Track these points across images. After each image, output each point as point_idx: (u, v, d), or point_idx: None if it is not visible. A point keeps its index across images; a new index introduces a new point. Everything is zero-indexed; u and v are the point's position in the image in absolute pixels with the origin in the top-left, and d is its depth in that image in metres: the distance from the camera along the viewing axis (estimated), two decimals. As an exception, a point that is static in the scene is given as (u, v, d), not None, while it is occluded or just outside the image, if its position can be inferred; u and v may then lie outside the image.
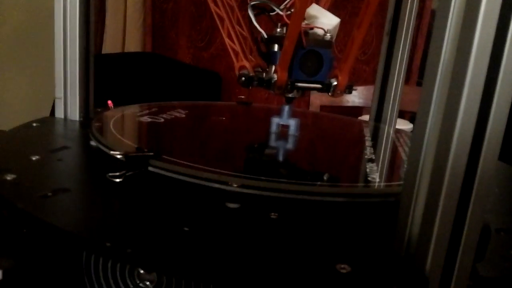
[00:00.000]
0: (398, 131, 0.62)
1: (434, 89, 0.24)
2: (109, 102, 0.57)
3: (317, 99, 1.24)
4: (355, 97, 1.22)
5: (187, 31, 1.56)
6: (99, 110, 0.59)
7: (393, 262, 0.26)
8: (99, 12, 1.57)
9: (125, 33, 1.57)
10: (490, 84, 0.23)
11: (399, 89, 0.65)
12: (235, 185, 0.33)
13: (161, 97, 1.26)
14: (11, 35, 1.38)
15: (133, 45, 1.56)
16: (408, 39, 0.63)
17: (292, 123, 0.52)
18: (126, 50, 1.57)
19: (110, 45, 1.56)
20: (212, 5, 0.48)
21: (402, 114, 0.91)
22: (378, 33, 0.65)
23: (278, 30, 0.47)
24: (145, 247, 0.25)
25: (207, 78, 1.47)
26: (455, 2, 0.23)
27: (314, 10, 0.48)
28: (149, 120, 0.53)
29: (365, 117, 0.79)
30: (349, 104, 1.23)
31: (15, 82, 1.42)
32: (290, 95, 0.50)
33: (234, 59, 0.48)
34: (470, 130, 0.23)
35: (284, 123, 0.53)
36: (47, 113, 0.55)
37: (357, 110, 1.24)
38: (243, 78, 0.47)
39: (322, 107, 1.27)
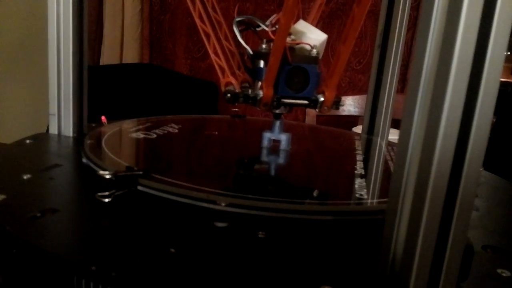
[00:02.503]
0: (389, 144, 0.62)
1: (415, 107, 0.25)
2: (103, 117, 0.58)
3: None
4: (351, 106, 1.22)
5: (184, 42, 1.57)
6: (93, 125, 0.59)
7: (378, 282, 0.27)
8: (96, 24, 1.58)
9: (123, 44, 1.58)
10: (472, 93, 0.23)
11: (391, 101, 0.65)
12: (223, 204, 0.34)
13: (158, 107, 1.28)
14: (10, 48, 1.38)
15: (130, 56, 1.57)
16: (399, 52, 0.63)
17: (284, 138, 0.52)
18: (123, 61, 1.58)
19: (108, 57, 1.57)
20: (198, 21, 0.48)
21: (397, 123, 0.92)
22: (373, 43, 0.66)
23: (264, 46, 0.47)
24: (130, 270, 0.25)
25: (204, 88, 1.47)
26: (437, 12, 0.23)
27: (301, 25, 0.48)
28: (142, 136, 0.53)
29: (360, 127, 0.79)
30: (345, 113, 1.23)
31: (15, 94, 1.43)
32: (277, 111, 0.50)
33: (220, 75, 0.48)
34: (453, 141, 0.23)
35: (276, 138, 0.53)
36: (46, 125, 0.56)
37: (352, 119, 1.25)
38: (229, 95, 0.47)
39: (319, 116, 1.27)
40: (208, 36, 0.48)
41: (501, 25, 0.22)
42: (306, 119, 1.25)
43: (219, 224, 0.32)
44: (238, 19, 0.48)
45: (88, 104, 0.57)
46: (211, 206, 0.34)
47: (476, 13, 0.22)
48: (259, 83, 0.47)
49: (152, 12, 1.59)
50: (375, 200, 0.38)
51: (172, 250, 0.28)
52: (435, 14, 0.23)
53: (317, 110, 0.48)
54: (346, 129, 1.00)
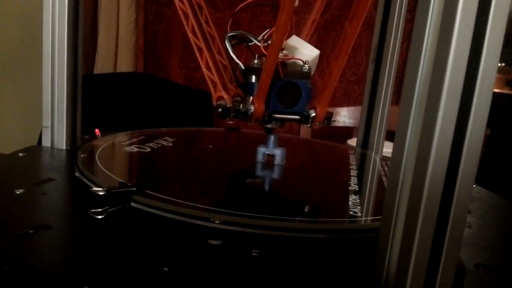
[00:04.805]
0: (384, 159, 0.62)
1: (409, 123, 0.25)
2: (97, 130, 0.57)
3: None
4: (346, 117, 1.23)
5: (179, 52, 1.57)
6: (86, 137, 0.59)
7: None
8: (91, 32, 1.58)
9: (117, 53, 1.57)
10: (465, 110, 0.23)
11: (385, 115, 0.65)
12: (217, 222, 0.34)
13: (153, 117, 1.27)
14: (3, 57, 1.38)
15: (125, 65, 1.57)
16: (394, 66, 0.63)
17: (278, 152, 0.52)
18: (118, 71, 1.57)
19: (102, 65, 1.57)
20: (191, 36, 0.48)
21: (392, 135, 0.92)
22: (368, 54, 0.66)
23: (256, 61, 0.47)
24: (122, 291, 0.25)
25: (199, 98, 1.47)
26: (430, 26, 0.23)
27: (294, 41, 0.48)
28: (136, 150, 0.53)
29: (355, 139, 0.79)
30: (340, 125, 1.23)
31: (8, 103, 1.42)
32: (268, 126, 0.50)
33: (212, 90, 0.48)
34: (445, 156, 0.23)
35: (270, 153, 0.53)
36: (38, 134, 0.55)
37: (347, 130, 1.25)
38: (220, 109, 0.47)
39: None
40: (200, 50, 0.48)
41: (494, 37, 0.22)
42: (300, 130, 1.25)
43: (213, 242, 0.32)
44: (230, 34, 0.48)
45: (81, 113, 0.57)
46: (205, 223, 0.34)
47: (470, 24, 0.22)
48: (251, 98, 0.47)
49: (147, 22, 1.59)
50: (368, 218, 0.38)
51: (165, 269, 0.28)
52: (428, 27, 0.23)
53: (308, 125, 0.48)
54: (341, 140, 1.01)
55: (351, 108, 1.23)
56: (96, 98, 1.14)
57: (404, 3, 0.62)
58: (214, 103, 0.48)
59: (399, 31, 0.62)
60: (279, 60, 0.45)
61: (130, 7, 1.55)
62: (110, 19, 1.55)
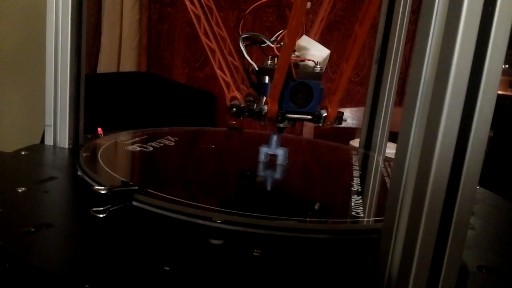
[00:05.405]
0: (386, 160, 0.62)
1: (412, 124, 0.24)
2: (99, 129, 0.57)
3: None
4: (349, 118, 1.22)
5: (182, 51, 1.57)
6: (89, 136, 0.59)
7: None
8: (94, 32, 1.58)
9: (121, 53, 1.58)
10: (469, 111, 0.23)
11: (388, 116, 0.65)
12: (219, 221, 0.34)
13: (155, 116, 1.28)
14: (7, 54, 1.38)
15: (128, 65, 1.57)
16: (397, 66, 0.63)
17: (280, 152, 0.52)
18: (121, 70, 1.58)
19: (105, 65, 1.57)
20: (203, 38, 0.48)
21: (395, 136, 0.92)
22: (371, 55, 0.66)
23: (269, 62, 0.48)
24: (123, 290, 0.25)
25: (201, 98, 1.47)
26: (434, 27, 0.23)
27: (305, 41, 0.49)
28: (138, 149, 0.53)
29: (358, 140, 0.79)
30: (343, 125, 1.23)
31: (11, 101, 1.43)
32: (281, 125, 0.50)
33: (225, 90, 0.49)
34: (449, 158, 0.23)
35: (272, 153, 0.53)
36: (41, 132, 0.55)
37: (350, 131, 1.25)
38: (234, 109, 0.48)
39: (316, 127, 1.27)
40: (213, 51, 0.48)
41: (499, 38, 0.22)
42: (303, 131, 1.25)
43: (214, 242, 0.32)
44: (244, 35, 0.48)
45: (84, 112, 0.57)
46: (207, 223, 0.34)
47: (474, 26, 0.22)
48: (264, 98, 0.48)
49: (150, 22, 1.59)
50: (371, 219, 0.38)
51: (167, 268, 0.28)
52: (432, 28, 0.23)
53: (320, 125, 0.49)
54: (344, 141, 1.00)
55: (354, 109, 1.22)
56: (99, 97, 1.14)
57: (407, 4, 0.62)
58: (228, 103, 0.49)
59: (403, 32, 0.62)
60: (292, 61, 0.46)
61: (134, 7, 1.55)
62: (114, 19, 1.55)
